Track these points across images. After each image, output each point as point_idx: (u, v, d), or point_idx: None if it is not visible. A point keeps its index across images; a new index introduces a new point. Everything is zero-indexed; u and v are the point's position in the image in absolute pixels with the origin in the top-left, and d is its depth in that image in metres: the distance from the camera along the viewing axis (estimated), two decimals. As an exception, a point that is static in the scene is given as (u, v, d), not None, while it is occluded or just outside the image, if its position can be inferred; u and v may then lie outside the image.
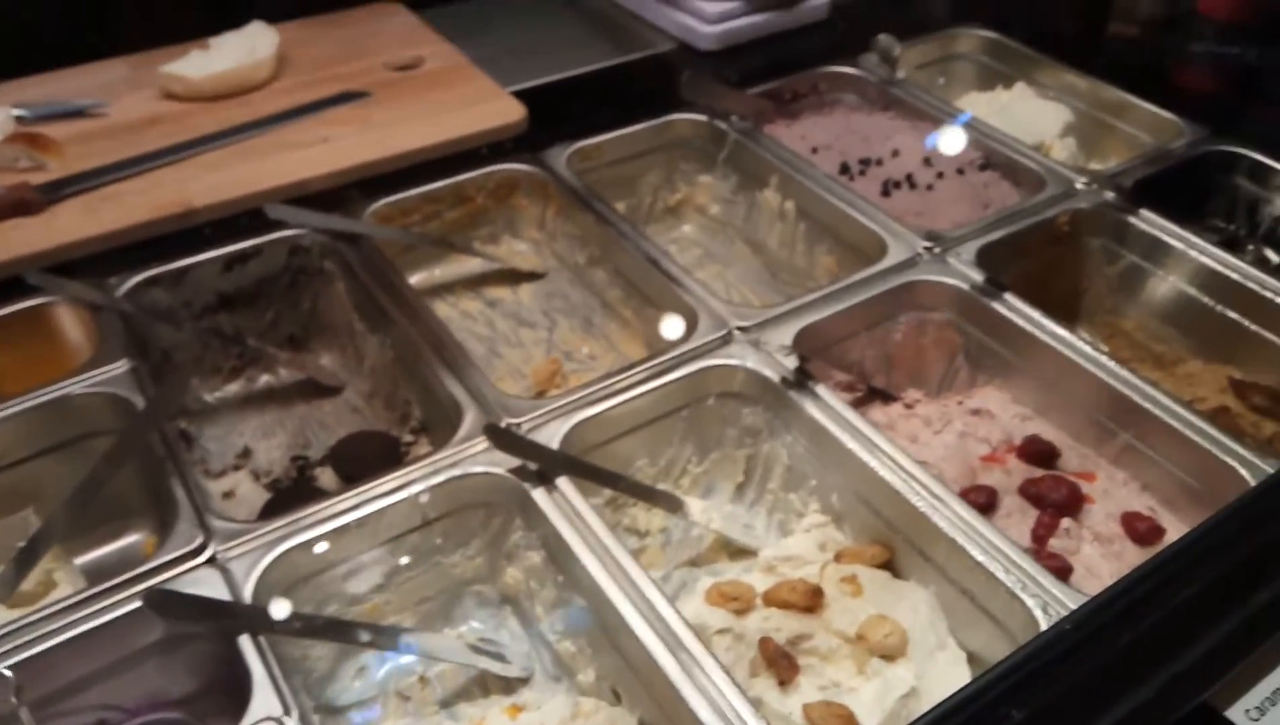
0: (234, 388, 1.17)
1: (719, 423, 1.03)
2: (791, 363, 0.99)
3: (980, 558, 0.81)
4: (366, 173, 1.23)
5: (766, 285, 1.34)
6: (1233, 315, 1.12)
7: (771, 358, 0.99)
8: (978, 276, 1.09)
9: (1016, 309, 1.06)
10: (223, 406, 1.16)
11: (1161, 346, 1.19)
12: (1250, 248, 1.34)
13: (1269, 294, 1.09)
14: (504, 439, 0.86)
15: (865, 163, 1.35)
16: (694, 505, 0.97)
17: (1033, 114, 1.47)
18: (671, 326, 1.07)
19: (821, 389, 0.96)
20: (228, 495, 1.00)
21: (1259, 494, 0.76)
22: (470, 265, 1.28)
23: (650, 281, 1.14)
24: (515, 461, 0.88)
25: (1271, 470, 0.86)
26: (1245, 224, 1.34)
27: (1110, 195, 1.22)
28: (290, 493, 0.99)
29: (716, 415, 1.02)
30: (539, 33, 1.68)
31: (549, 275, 1.29)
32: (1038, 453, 0.99)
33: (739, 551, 1.00)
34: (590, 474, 0.89)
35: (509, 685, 0.89)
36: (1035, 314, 1.05)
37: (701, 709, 0.71)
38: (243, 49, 1.38)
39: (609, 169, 1.35)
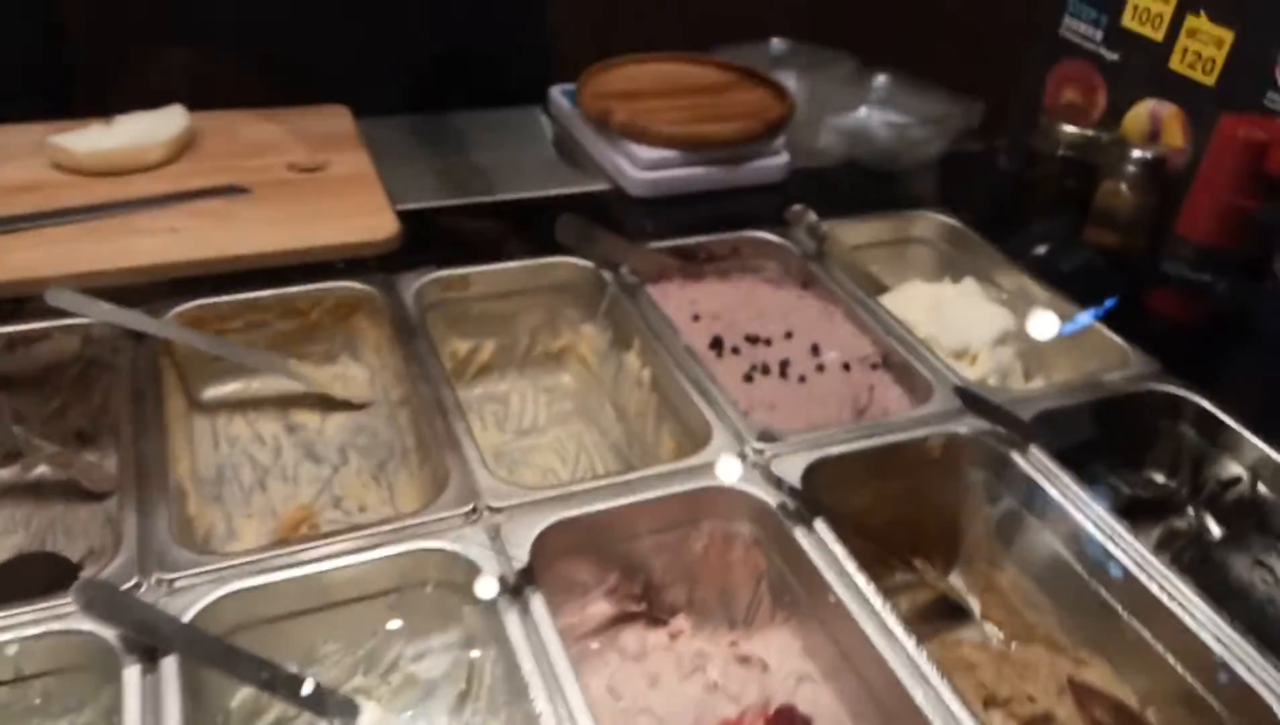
0: (5, 473, 1.09)
1: (440, 616, 0.88)
2: (521, 559, 0.84)
3: None
4: (192, 271, 1.15)
5: (621, 457, 1.19)
6: (1105, 596, 0.92)
7: (504, 551, 0.85)
8: (790, 494, 0.92)
9: (819, 542, 0.88)
10: (-15, 491, 1.08)
11: (1034, 616, 0.99)
12: (1190, 513, 1.12)
13: (1145, 579, 0.88)
14: (95, 601, 0.73)
15: (751, 341, 1.20)
16: (369, 715, 0.82)
17: (970, 316, 1.30)
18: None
19: (536, 602, 0.81)
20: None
21: None
22: (294, 382, 1.18)
23: (435, 434, 1.01)
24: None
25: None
26: (1189, 483, 1.13)
27: (998, 426, 1.04)
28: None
29: (437, 607, 0.87)
30: (506, 154, 1.63)
31: (370, 407, 1.18)
32: (785, 729, 0.80)
33: (430, 775, 0.84)
34: (214, 657, 0.76)
35: None
36: (838, 551, 0.87)
37: None
38: (144, 129, 1.35)
39: (477, 303, 1.25)
